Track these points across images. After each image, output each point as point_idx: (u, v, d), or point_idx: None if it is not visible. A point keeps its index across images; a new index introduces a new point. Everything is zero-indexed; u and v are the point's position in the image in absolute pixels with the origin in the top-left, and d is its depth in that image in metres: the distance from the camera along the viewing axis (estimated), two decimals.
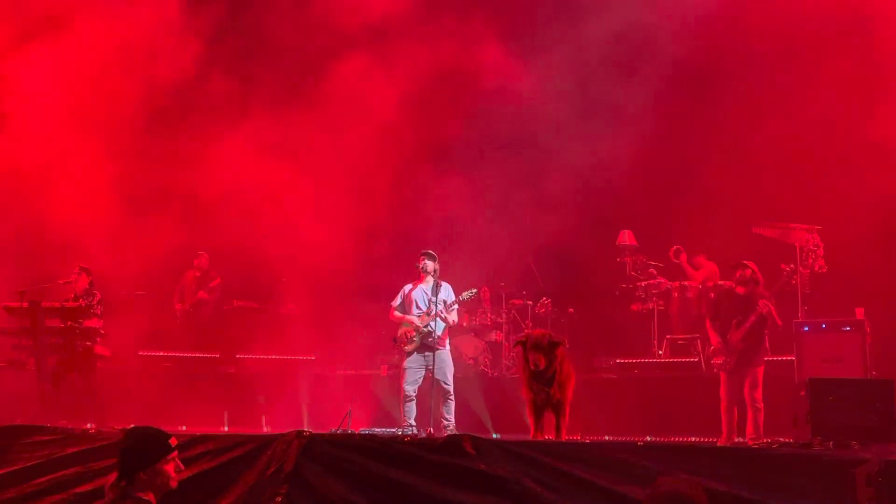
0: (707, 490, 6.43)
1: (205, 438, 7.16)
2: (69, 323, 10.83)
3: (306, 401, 12.33)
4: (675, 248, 12.90)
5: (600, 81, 12.66)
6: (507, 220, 12.89)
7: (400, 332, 10.25)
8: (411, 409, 10.05)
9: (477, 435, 6.91)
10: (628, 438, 10.78)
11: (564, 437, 8.47)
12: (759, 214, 12.09)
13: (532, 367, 8.20)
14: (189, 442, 7.02)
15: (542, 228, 12.99)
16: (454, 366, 10.39)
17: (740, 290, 9.70)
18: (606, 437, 11.19)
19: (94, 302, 10.97)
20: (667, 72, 12.60)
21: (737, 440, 9.47)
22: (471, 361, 12.54)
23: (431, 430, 9.76)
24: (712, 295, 11.51)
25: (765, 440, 9.23)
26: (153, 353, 12.86)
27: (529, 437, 8.47)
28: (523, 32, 13.34)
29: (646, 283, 12.86)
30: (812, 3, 11.81)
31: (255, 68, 12.94)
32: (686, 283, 12.75)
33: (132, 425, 5.43)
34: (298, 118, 12.54)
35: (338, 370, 12.47)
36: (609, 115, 12.86)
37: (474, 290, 10.75)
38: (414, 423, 9.98)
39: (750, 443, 9.23)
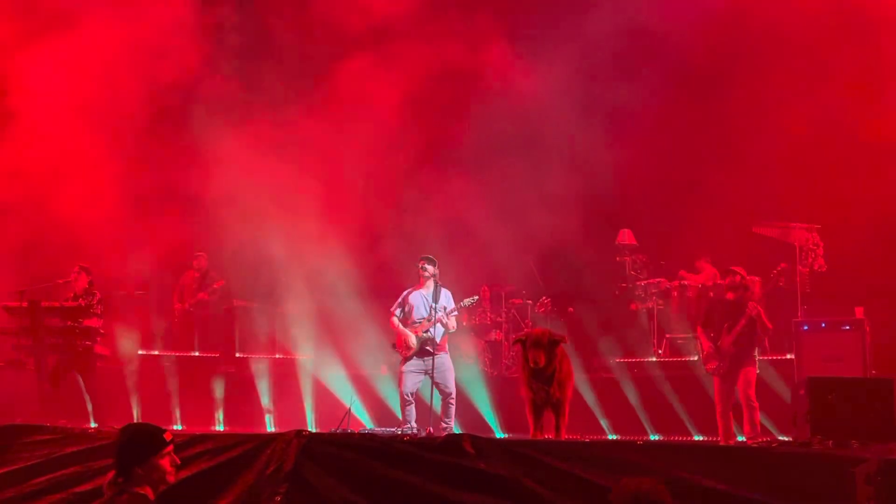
0: (706, 489, 6.50)
1: (204, 438, 7.17)
2: (69, 322, 10.82)
3: (306, 400, 12.33)
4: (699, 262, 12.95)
5: (601, 81, 12.66)
6: (506, 220, 12.88)
7: (399, 338, 10.22)
8: (411, 412, 10.03)
9: (476, 434, 6.92)
10: (628, 438, 10.82)
11: (564, 437, 8.46)
12: (758, 214, 12.10)
13: (532, 365, 8.19)
14: (188, 441, 7.03)
15: (543, 228, 12.99)
16: (454, 367, 10.38)
17: (730, 295, 9.85)
18: (606, 437, 11.22)
19: (94, 301, 10.95)
20: (668, 72, 12.61)
21: (735, 442, 9.47)
22: (470, 361, 12.54)
23: (431, 429, 9.75)
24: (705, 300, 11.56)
25: (763, 438, 9.25)
26: (153, 353, 12.84)
27: (529, 437, 8.47)
28: (524, 33, 13.33)
29: (645, 282, 12.86)
30: (813, 3, 11.82)
31: (259, 68, 12.92)
32: (685, 282, 12.76)
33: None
34: (302, 118, 12.54)
35: (337, 370, 12.46)
36: (609, 115, 12.88)
37: (475, 298, 10.76)
38: (414, 425, 9.97)
39: (749, 441, 9.23)
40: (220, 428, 12.16)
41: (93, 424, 10.58)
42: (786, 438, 9.10)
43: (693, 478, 6.54)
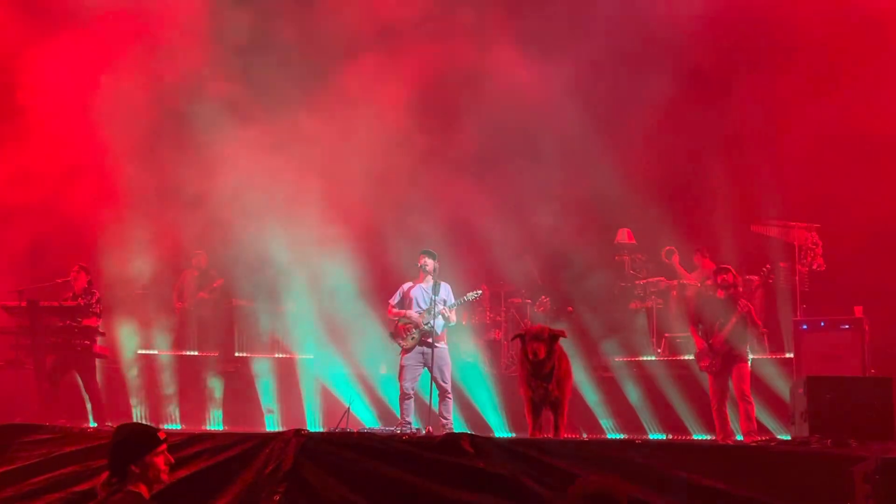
0: (706, 489, 6.50)
1: (203, 437, 7.17)
2: (68, 322, 10.81)
3: (305, 400, 12.34)
4: (667, 248, 12.90)
5: (602, 82, 12.66)
6: (505, 219, 12.88)
7: (398, 327, 10.21)
8: (410, 406, 10.01)
9: (475, 433, 6.92)
10: (626, 436, 10.84)
11: (563, 436, 8.47)
12: (758, 213, 12.11)
13: (531, 358, 8.18)
14: (187, 441, 7.02)
15: (542, 227, 12.99)
16: (452, 364, 10.38)
17: (720, 293, 9.89)
18: (605, 436, 11.24)
19: (93, 301, 10.94)
20: (669, 72, 12.60)
21: (734, 440, 9.48)
22: (469, 360, 12.54)
23: (430, 428, 9.75)
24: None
25: (759, 437, 9.26)
26: (152, 352, 12.83)
27: (528, 436, 8.47)
28: (524, 33, 13.31)
29: (644, 281, 12.87)
30: (815, 3, 11.84)
31: (265, 68, 12.90)
32: (685, 281, 12.75)
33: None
34: (306, 119, 12.56)
35: (337, 369, 12.46)
36: (610, 115, 12.88)
37: (479, 292, 10.73)
38: (412, 422, 9.96)
39: (746, 437, 9.28)
40: (219, 427, 12.16)
41: (92, 424, 10.59)
42: (785, 437, 9.11)
43: (692, 477, 6.55)
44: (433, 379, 9.91)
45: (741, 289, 10.12)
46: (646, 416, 11.30)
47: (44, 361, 10.83)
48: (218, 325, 13.33)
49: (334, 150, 12.67)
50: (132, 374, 12.36)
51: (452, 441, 6.73)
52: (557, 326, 9.05)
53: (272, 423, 12.07)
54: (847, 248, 11.36)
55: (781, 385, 10.33)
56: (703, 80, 12.91)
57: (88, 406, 11.00)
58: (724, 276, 9.91)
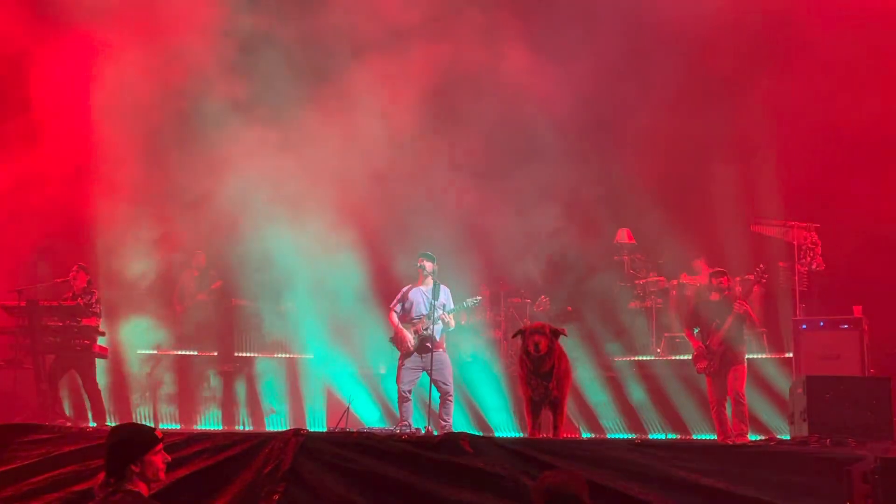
0: (705, 488, 6.50)
1: (202, 437, 7.16)
2: (67, 322, 10.81)
3: (305, 399, 12.33)
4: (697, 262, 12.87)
5: (602, 82, 12.66)
6: (505, 218, 12.88)
7: (398, 333, 10.21)
8: (408, 409, 10.02)
9: (474, 433, 6.92)
10: (626, 436, 10.84)
11: (562, 435, 8.47)
12: (758, 213, 12.11)
13: (533, 351, 8.17)
14: (186, 440, 7.02)
15: (542, 226, 12.99)
16: (454, 365, 10.38)
17: (715, 296, 9.99)
18: (604, 435, 11.24)
19: (93, 300, 10.95)
20: (669, 73, 12.61)
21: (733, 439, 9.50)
22: (469, 359, 12.54)
23: (430, 427, 9.75)
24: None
25: (749, 441, 9.28)
26: (152, 352, 12.83)
27: (527, 435, 8.47)
28: (524, 33, 13.32)
29: (644, 281, 12.87)
30: (815, 5, 11.84)
31: (270, 68, 12.90)
32: (684, 281, 12.76)
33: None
34: (310, 119, 12.56)
35: (337, 369, 12.46)
36: (610, 115, 12.87)
37: (479, 299, 10.74)
38: (411, 423, 9.96)
39: (737, 439, 9.32)
40: (218, 427, 12.16)
41: (91, 423, 10.59)
42: (784, 437, 9.11)
43: (692, 477, 6.55)
44: (434, 382, 9.91)
45: (739, 289, 10.18)
46: (646, 416, 11.32)
47: (43, 361, 10.83)
48: (218, 325, 13.33)
49: (339, 151, 12.68)
50: (132, 374, 12.36)
51: (451, 441, 6.73)
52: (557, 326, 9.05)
53: (274, 424, 12.07)
54: (846, 248, 11.36)
55: (781, 384, 10.34)
56: (704, 81, 12.91)
57: (88, 406, 11.00)
58: (720, 279, 9.99)
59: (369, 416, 11.99)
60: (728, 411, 9.76)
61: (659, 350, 12.34)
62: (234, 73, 12.57)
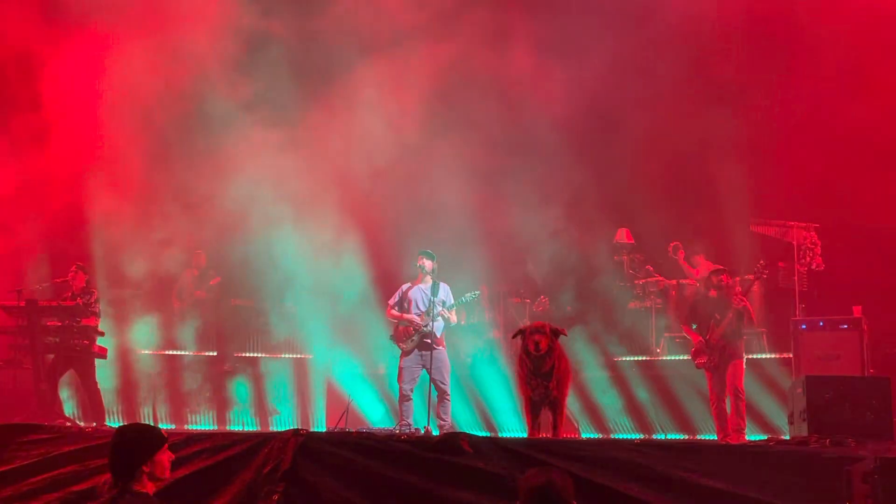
0: (705, 488, 6.49)
1: (201, 437, 7.15)
2: (66, 321, 10.79)
3: (306, 399, 12.33)
4: (673, 244, 12.92)
5: (604, 83, 12.66)
6: (504, 218, 12.88)
7: (398, 329, 10.21)
8: (409, 408, 10.02)
9: (474, 433, 6.92)
10: (626, 436, 10.84)
11: (561, 435, 8.47)
12: (757, 212, 12.11)
13: (533, 350, 8.17)
14: (186, 440, 7.01)
15: (541, 226, 12.98)
16: (454, 365, 10.38)
17: (713, 293, 10.03)
18: (607, 435, 11.24)
19: (92, 300, 10.93)
20: (670, 73, 12.61)
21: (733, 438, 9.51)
22: (468, 360, 12.55)
23: (429, 427, 9.75)
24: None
25: (748, 440, 9.29)
26: (152, 352, 12.82)
27: (526, 435, 8.47)
28: (524, 33, 13.32)
29: (643, 281, 12.86)
30: (817, 4, 11.84)
31: (273, 69, 12.90)
32: (684, 281, 12.76)
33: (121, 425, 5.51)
34: (314, 119, 12.54)
35: (337, 368, 12.46)
36: (610, 115, 12.87)
37: (477, 293, 10.72)
38: (412, 423, 9.96)
39: (735, 434, 9.38)
40: (218, 426, 12.15)
41: (91, 423, 10.57)
42: (783, 437, 9.11)
43: (692, 477, 6.54)
44: (432, 381, 9.91)
45: (738, 288, 10.19)
46: (645, 416, 11.31)
47: (42, 361, 10.81)
48: (217, 325, 13.32)
49: (343, 150, 12.68)
50: (133, 373, 12.35)
51: (451, 441, 6.73)
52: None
53: (277, 424, 12.06)
54: (846, 248, 11.37)
55: (780, 384, 10.35)
56: (704, 82, 12.92)
57: (87, 406, 10.99)
58: (719, 277, 10.02)
59: (374, 415, 11.99)
60: (727, 407, 9.76)
61: (658, 350, 12.33)
62: (239, 73, 12.59)
